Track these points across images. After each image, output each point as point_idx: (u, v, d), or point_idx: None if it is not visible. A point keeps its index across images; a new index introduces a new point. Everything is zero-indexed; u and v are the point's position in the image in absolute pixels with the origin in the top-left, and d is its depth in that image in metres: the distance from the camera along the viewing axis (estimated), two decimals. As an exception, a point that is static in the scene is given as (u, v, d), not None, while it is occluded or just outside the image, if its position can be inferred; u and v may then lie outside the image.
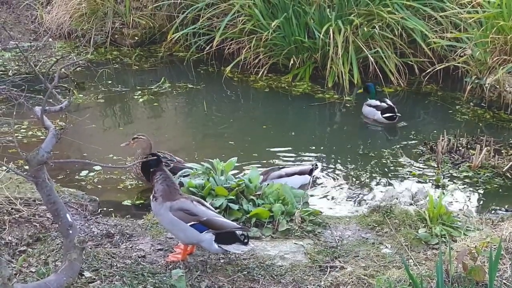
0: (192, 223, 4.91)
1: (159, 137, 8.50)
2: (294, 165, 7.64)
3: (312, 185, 7.06)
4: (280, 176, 7.19)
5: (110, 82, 10.39)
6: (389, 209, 5.92)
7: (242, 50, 10.85)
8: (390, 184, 7.30)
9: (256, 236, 5.60)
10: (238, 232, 5.01)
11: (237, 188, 5.94)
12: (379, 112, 8.96)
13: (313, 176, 7.32)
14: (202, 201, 5.17)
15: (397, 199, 6.09)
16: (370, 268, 5.13)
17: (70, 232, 4.35)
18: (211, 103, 9.64)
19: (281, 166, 7.44)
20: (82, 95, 9.62)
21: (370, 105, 9.14)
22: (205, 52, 11.16)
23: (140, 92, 9.99)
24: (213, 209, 5.19)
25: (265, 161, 7.78)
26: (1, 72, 10.15)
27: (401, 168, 7.70)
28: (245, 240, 4.96)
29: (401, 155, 8.02)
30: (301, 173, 7.32)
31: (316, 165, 7.47)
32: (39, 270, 4.77)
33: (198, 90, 10.30)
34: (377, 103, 9.07)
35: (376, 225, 5.81)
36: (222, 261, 5.22)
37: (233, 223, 5.08)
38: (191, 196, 5.22)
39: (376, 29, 10.24)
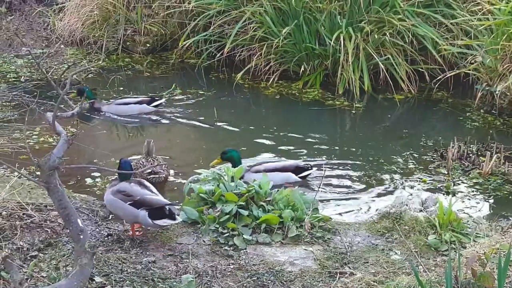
0: (129, 202, 5.43)
1: (169, 143, 8.54)
2: (278, 161, 7.65)
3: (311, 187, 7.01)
4: (258, 171, 7.24)
5: (121, 88, 10.43)
6: (399, 216, 5.93)
7: (253, 57, 10.88)
8: (400, 190, 7.30)
9: (266, 242, 5.63)
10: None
11: (247, 194, 5.96)
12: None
13: (303, 177, 7.30)
14: (143, 181, 5.66)
15: (407, 205, 6.09)
16: (379, 274, 5.14)
17: (81, 237, 4.39)
18: (222, 110, 9.66)
19: (265, 161, 7.49)
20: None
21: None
22: (216, 59, 11.20)
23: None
24: (152, 188, 5.60)
25: (275, 168, 7.81)
26: (14, 79, 10.21)
27: (411, 175, 7.70)
28: (173, 216, 5.43)
29: (411, 162, 8.02)
30: (283, 169, 7.33)
31: (310, 166, 7.46)
32: (50, 275, 4.80)
33: (209, 96, 10.33)
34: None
35: (386, 232, 5.82)
36: (232, 266, 5.25)
37: (163, 200, 5.49)
38: (134, 179, 5.72)
39: (387, 36, 10.25)
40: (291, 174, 7.32)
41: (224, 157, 7.39)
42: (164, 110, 9.44)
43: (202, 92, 10.43)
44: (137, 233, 5.65)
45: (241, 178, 6.78)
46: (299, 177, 7.38)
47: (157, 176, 7.27)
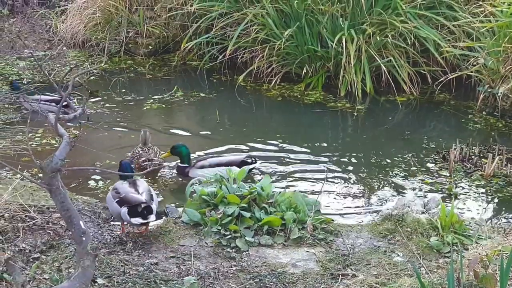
0: (117, 199, 5.62)
1: (171, 143, 8.53)
2: (224, 155, 7.74)
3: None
4: (203, 167, 7.39)
5: (124, 90, 10.44)
6: (401, 218, 5.93)
7: (255, 59, 10.89)
8: (402, 193, 7.29)
9: (268, 244, 5.63)
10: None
11: (249, 196, 5.96)
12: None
13: (249, 170, 7.30)
14: (136, 181, 5.81)
15: (409, 207, 6.09)
16: (381, 276, 5.15)
17: (83, 239, 4.39)
18: (224, 112, 9.67)
19: (210, 156, 7.65)
20: (91, 103, 9.63)
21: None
22: (218, 61, 11.21)
23: (152, 100, 10.03)
24: (140, 188, 5.72)
25: (277, 169, 7.81)
26: (16, 81, 10.23)
27: (413, 177, 7.70)
28: (146, 216, 5.52)
29: (413, 164, 8.01)
30: (228, 164, 7.39)
31: (254, 159, 7.54)
32: (52, 277, 4.81)
33: (211, 98, 10.34)
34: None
35: (388, 233, 5.82)
36: (234, 268, 5.26)
37: (140, 198, 5.57)
38: (131, 179, 5.85)
39: (389, 38, 10.25)
40: (236, 168, 7.20)
41: (173, 151, 7.60)
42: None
43: (204, 94, 10.43)
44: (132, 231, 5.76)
45: (187, 175, 7.29)
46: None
47: (151, 163, 7.52)
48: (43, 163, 4.24)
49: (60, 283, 4.52)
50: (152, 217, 5.56)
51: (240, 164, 7.42)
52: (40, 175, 7.03)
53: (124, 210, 5.55)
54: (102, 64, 11.21)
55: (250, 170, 7.47)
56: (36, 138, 8.17)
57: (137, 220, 5.52)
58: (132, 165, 6.78)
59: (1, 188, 5.91)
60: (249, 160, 7.56)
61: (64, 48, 11.96)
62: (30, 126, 7.24)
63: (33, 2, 13.49)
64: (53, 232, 5.48)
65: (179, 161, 7.61)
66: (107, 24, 12.08)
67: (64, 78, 8.02)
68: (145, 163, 7.55)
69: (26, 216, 5.59)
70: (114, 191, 5.76)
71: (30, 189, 6.09)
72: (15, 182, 6.00)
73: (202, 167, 7.44)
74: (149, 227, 5.79)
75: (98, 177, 7.39)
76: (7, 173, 7.01)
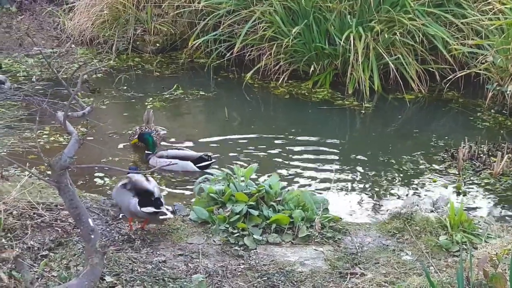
0: (128, 187, 5.62)
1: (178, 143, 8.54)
2: (184, 150, 7.88)
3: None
4: (161, 156, 7.68)
5: (131, 88, 10.41)
6: (410, 216, 5.91)
7: (262, 57, 10.87)
8: (410, 191, 7.28)
9: (276, 242, 5.62)
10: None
11: (257, 194, 5.95)
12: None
13: (202, 167, 7.57)
14: (148, 177, 5.77)
15: (417, 206, 6.07)
16: (390, 275, 5.13)
17: (92, 236, 4.39)
18: (232, 110, 9.66)
19: (174, 148, 7.88)
20: (92, 99, 9.61)
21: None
22: (225, 59, 11.19)
23: (158, 97, 10.03)
24: (154, 183, 5.73)
25: (285, 167, 7.80)
26: (23, 77, 10.24)
27: (421, 175, 7.68)
28: (158, 205, 5.51)
29: (422, 162, 7.99)
30: (184, 158, 7.63)
31: (210, 157, 7.68)
32: (61, 274, 4.81)
33: (219, 96, 10.33)
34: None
35: (397, 232, 5.80)
36: (242, 266, 5.25)
37: (151, 188, 5.58)
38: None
39: (397, 35, 10.22)
40: (190, 163, 7.59)
41: (140, 138, 7.99)
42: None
43: (212, 92, 10.42)
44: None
45: (147, 161, 7.75)
46: (198, 167, 7.63)
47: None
48: (51, 160, 4.23)
49: (69, 280, 4.52)
50: (165, 208, 5.54)
51: (197, 160, 7.63)
52: (48, 172, 7.04)
53: (135, 201, 5.52)
54: (111, 62, 11.19)
55: (205, 167, 7.64)
56: (44, 136, 8.19)
57: (149, 209, 5.47)
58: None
59: (10, 186, 5.91)
60: (206, 157, 7.69)
61: (73, 45, 11.95)
62: (38, 123, 7.24)
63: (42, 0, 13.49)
64: (62, 230, 5.47)
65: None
66: (114, 22, 12.06)
67: (73, 75, 8.01)
68: None
69: (34, 213, 5.59)
70: (122, 183, 5.73)
71: (38, 186, 6.09)
72: (24, 180, 6.00)
73: (161, 156, 7.73)
74: (161, 226, 5.80)
75: (101, 174, 7.39)
76: (15, 170, 7.02)
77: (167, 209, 5.65)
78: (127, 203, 5.57)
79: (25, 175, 6.28)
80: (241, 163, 7.48)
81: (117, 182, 6.09)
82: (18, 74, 10.55)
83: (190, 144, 8.44)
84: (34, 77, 10.37)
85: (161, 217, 5.60)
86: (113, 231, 5.70)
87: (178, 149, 7.92)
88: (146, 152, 7.89)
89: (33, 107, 7.61)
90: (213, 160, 7.72)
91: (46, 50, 11.65)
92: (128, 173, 5.95)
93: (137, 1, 12.11)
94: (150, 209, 5.48)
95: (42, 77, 10.36)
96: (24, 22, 12.75)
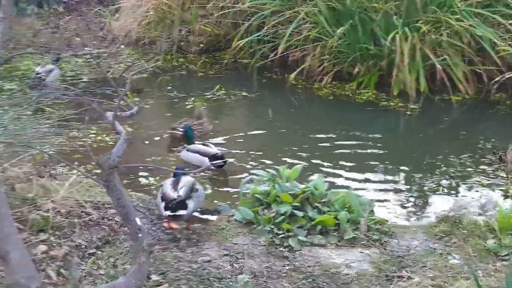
0: (160, 195, 5.81)
1: (224, 143, 8.55)
2: (206, 146, 7.97)
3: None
4: (188, 150, 7.92)
5: (175, 88, 10.47)
6: (457, 219, 5.84)
7: (306, 58, 10.84)
8: (458, 194, 7.19)
9: (321, 243, 5.58)
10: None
11: (302, 195, 5.92)
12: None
13: (215, 165, 7.70)
14: (182, 177, 5.92)
15: (465, 209, 5.99)
16: (438, 278, 5.06)
17: (139, 235, 4.42)
18: (275, 110, 9.64)
19: (201, 143, 8.03)
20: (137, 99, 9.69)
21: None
22: (269, 59, 11.18)
23: (200, 98, 10.08)
24: (183, 183, 5.84)
25: (329, 168, 7.76)
26: (71, 78, 10.37)
27: (469, 178, 7.57)
28: (175, 209, 5.66)
29: (469, 165, 7.89)
30: (203, 154, 7.84)
31: (225, 161, 7.76)
32: (108, 272, 4.85)
33: (262, 97, 10.33)
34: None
35: (444, 235, 5.73)
36: (287, 267, 5.23)
37: (172, 196, 5.70)
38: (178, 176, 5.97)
39: (444, 36, 10.11)
40: (206, 160, 7.72)
41: (183, 132, 8.17)
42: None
43: (255, 93, 10.43)
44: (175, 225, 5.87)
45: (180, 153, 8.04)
46: (212, 164, 7.70)
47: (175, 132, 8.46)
48: (100, 159, 4.27)
49: (116, 279, 4.55)
50: (181, 211, 5.67)
51: (211, 157, 7.76)
52: (95, 171, 7.11)
53: (162, 204, 5.73)
54: (159, 63, 11.28)
55: (218, 166, 7.76)
56: (91, 135, 8.27)
57: (167, 213, 5.69)
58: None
59: (58, 184, 5.97)
60: (219, 156, 7.79)
61: (122, 46, 12.07)
62: (84, 123, 7.32)
63: (92, 0, 13.66)
64: (109, 228, 5.52)
65: None
66: (160, 23, 12.17)
67: (121, 76, 8.12)
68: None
69: (82, 212, 5.65)
70: (161, 189, 5.93)
71: (86, 185, 6.14)
72: (72, 178, 6.07)
73: (188, 150, 7.93)
74: (206, 226, 5.82)
75: (146, 174, 7.45)
76: (63, 169, 7.09)
77: (207, 209, 5.74)
78: (159, 207, 5.80)
79: (72, 174, 6.34)
80: (286, 164, 7.45)
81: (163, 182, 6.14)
82: (66, 74, 10.67)
83: (220, 141, 8.59)
84: (85, 77, 10.49)
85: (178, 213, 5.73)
86: (158, 230, 5.73)
87: (204, 145, 8.02)
88: (184, 145, 8.08)
89: (80, 107, 7.70)
90: (225, 160, 7.78)
91: (94, 50, 11.77)
92: (175, 173, 6.00)
93: (182, 2, 12.20)
94: (167, 213, 5.68)
95: (90, 77, 10.48)
96: (71, 22, 12.91)
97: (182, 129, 8.26)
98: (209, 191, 7.19)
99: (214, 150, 7.90)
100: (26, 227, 5.30)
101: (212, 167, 7.74)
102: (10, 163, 6.10)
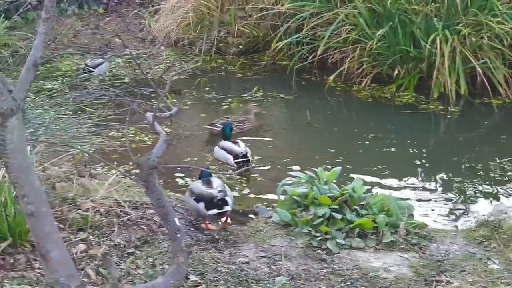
0: (193, 198, 5.84)
1: (261, 144, 8.56)
2: (238, 143, 8.06)
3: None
4: (218, 146, 8.06)
5: (213, 89, 10.51)
6: (498, 224, 5.76)
7: (345, 60, 10.78)
8: (498, 198, 7.10)
9: (359, 246, 5.55)
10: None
11: (340, 197, 5.90)
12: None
13: (238, 163, 7.82)
14: (211, 179, 6.04)
15: (505, 213, 5.91)
16: (477, 283, 5.01)
17: (178, 236, 4.42)
18: (314, 112, 9.61)
19: (231, 141, 8.10)
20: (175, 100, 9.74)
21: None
22: (308, 62, 11.15)
23: (237, 99, 10.11)
24: (217, 184, 5.95)
25: (368, 171, 7.72)
26: (110, 78, 10.47)
27: (509, 182, 7.47)
28: (221, 206, 5.77)
29: (509, 169, 7.79)
30: (229, 151, 7.97)
31: (247, 164, 7.82)
32: (146, 272, 4.87)
33: (300, 98, 10.32)
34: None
35: (484, 240, 5.66)
36: (325, 270, 5.21)
37: (213, 193, 5.79)
38: (206, 178, 6.07)
39: (485, 39, 9.99)
40: (230, 158, 7.89)
41: (221, 128, 8.41)
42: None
43: (292, 95, 10.42)
44: (212, 226, 5.90)
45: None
46: (235, 162, 7.85)
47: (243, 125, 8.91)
48: (140, 160, 4.29)
49: (154, 278, 4.58)
50: (228, 207, 5.76)
51: (235, 156, 7.89)
52: (134, 171, 7.17)
53: (202, 205, 5.74)
54: (199, 64, 11.33)
55: (239, 166, 7.81)
56: (130, 135, 8.33)
57: (213, 211, 5.72)
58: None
59: (97, 184, 6.04)
60: (242, 154, 7.87)
61: (162, 47, 12.15)
62: (123, 123, 7.39)
63: (129, 1, 13.76)
64: (147, 228, 5.56)
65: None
66: (199, 24, 12.21)
67: (161, 76, 8.18)
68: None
69: (121, 211, 5.70)
70: (189, 191, 5.96)
71: (124, 185, 6.20)
72: (111, 178, 6.12)
73: (219, 146, 8.06)
74: (244, 227, 5.83)
75: (182, 174, 7.49)
76: (102, 169, 7.16)
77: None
78: (195, 208, 5.88)
79: (112, 174, 6.39)
80: (324, 166, 7.43)
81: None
82: (108, 73, 10.78)
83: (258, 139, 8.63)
84: (126, 78, 10.58)
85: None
86: (196, 231, 5.76)
87: (233, 142, 8.06)
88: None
89: (120, 107, 7.77)
90: (248, 159, 7.89)
91: (134, 51, 11.86)
92: (201, 173, 6.16)
93: (221, 4, 12.23)
94: (214, 211, 5.76)
95: (130, 78, 10.57)
96: (111, 23, 13.02)
97: (220, 125, 8.48)
98: (247, 191, 7.20)
99: (239, 149, 7.96)
100: (66, 226, 5.36)
101: (234, 166, 7.84)
102: (51, 162, 6.18)
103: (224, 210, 5.74)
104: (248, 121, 9.06)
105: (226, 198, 5.82)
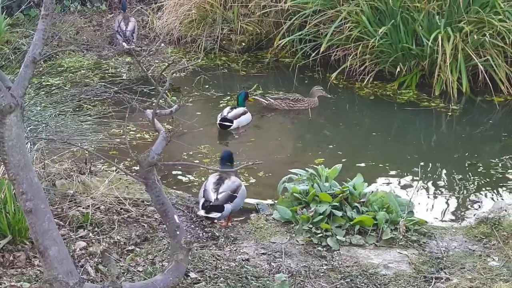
0: (202, 189, 6.04)
1: (263, 141, 8.57)
2: (235, 108, 8.97)
3: None
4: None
5: (213, 87, 10.50)
6: (498, 221, 5.77)
7: (348, 57, 10.77)
8: (498, 196, 7.10)
9: (359, 243, 5.56)
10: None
11: (341, 194, 5.91)
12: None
13: (219, 125, 8.76)
14: (227, 177, 6.08)
15: (505, 211, 5.92)
16: (476, 280, 5.01)
17: (178, 233, 4.44)
18: (316, 110, 9.62)
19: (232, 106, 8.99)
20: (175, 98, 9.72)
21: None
22: (311, 59, 11.14)
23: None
24: (226, 187, 5.99)
25: (368, 168, 7.72)
26: (110, 74, 10.46)
27: (510, 180, 7.47)
28: (209, 211, 5.84)
29: (510, 166, 7.78)
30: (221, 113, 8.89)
31: (230, 123, 8.78)
32: (146, 269, 4.89)
33: (303, 95, 10.30)
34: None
35: (484, 237, 5.67)
36: (325, 267, 5.23)
37: (210, 197, 5.88)
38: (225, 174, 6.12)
39: (487, 37, 9.98)
40: (218, 118, 8.86)
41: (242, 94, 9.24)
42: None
43: (297, 91, 10.41)
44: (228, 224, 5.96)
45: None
46: (218, 124, 8.85)
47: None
48: (140, 157, 4.31)
49: (154, 276, 4.59)
50: (215, 214, 5.81)
51: (222, 119, 8.79)
52: (134, 168, 7.18)
53: (202, 200, 5.90)
54: (199, 61, 11.31)
55: (226, 127, 8.75)
56: (131, 132, 8.34)
57: (201, 213, 5.84)
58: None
59: (98, 181, 6.06)
60: (227, 118, 8.77)
61: (163, 44, 12.15)
62: (123, 120, 7.39)
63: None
64: (147, 225, 5.58)
65: None
66: (202, 21, 12.20)
67: (161, 74, 8.17)
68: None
69: (121, 208, 5.72)
70: (204, 183, 6.10)
71: (125, 182, 6.21)
72: (111, 175, 6.14)
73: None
74: (245, 225, 5.87)
75: (184, 171, 7.50)
76: (103, 166, 7.17)
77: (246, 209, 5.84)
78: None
79: (112, 171, 6.40)
80: (325, 163, 7.43)
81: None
82: (106, 72, 10.78)
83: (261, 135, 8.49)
84: (125, 75, 10.58)
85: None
86: (197, 228, 5.77)
87: (233, 108, 8.98)
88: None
89: (120, 104, 7.77)
90: (231, 123, 8.77)
91: (135, 48, 11.85)
92: (223, 152, 6.42)
93: (224, 1, 12.21)
94: (201, 212, 5.88)
95: (131, 75, 10.57)
96: (113, 20, 13.02)
97: (270, 99, 9.54)
98: (248, 189, 7.20)
99: (225, 113, 8.81)
100: (66, 223, 5.38)
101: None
102: (51, 159, 6.20)
103: (209, 215, 5.82)
104: (304, 102, 9.60)
105: (226, 205, 5.86)
